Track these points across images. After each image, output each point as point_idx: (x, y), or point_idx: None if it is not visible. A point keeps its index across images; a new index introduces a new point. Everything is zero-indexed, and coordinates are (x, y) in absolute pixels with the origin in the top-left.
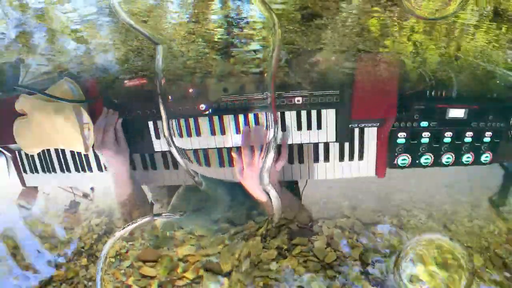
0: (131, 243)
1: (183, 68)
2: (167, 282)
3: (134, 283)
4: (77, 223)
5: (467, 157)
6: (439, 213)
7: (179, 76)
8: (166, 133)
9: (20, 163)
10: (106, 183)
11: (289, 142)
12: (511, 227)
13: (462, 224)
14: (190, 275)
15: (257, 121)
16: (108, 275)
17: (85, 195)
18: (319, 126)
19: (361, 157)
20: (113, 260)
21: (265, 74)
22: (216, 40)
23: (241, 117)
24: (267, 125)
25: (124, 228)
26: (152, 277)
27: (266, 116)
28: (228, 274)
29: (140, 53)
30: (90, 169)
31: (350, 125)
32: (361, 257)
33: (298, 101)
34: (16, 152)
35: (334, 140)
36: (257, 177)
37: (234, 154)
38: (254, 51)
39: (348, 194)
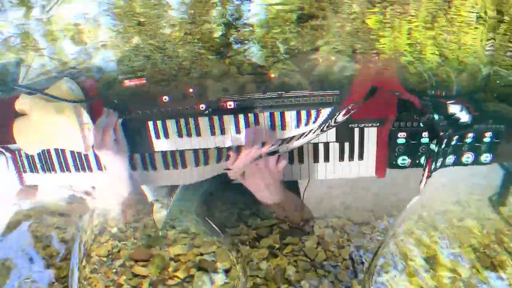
0: (123, 242)
1: (178, 69)
2: (158, 281)
3: (126, 282)
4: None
5: (466, 157)
6: (434, 213)
7: (174, 76)
8: None
9: (19, 163)
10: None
11: None
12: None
13: (450, 224)
14: (181, 274)
15: (257, 121)
16: (99, 274)
17: (87, 194)
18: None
19: (361, 157)
20: (105, 259)
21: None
22: (212, 40)
23: (241, 117)
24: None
25: None
26: (144, 276)
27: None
28: (227, 271)
29: (141, 54)
30: (90, 169)
31: (350, 125)
32: (351, 256)
33: (298, 101)
34: (16, 152)
35: (334, 140)
36: (263, 176)
37: (232, 153)
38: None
39: (343, 193)
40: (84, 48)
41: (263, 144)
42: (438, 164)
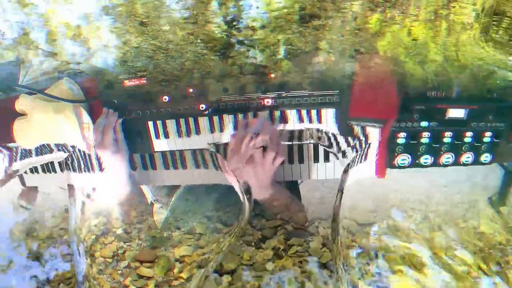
0: (128, 243)
1: (181, 69)
2: (163, 282)
3: (131, 283)
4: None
5: (466, 157)
6: (435, 213)
7: (176, 76)
8: None
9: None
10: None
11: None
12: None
13: (456, 225)
14: (186, 275)
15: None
16: (105, 275)
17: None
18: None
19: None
20: (110, 260)
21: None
22: (214, 40)
23: (241, 117)
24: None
25: None
26: (149, 278)
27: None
28: (232, 272)
29: (143, 54)
30: (93, 169)
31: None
32: (356, 257)
33: (298, 101)
34: (14, 150)
35: None
36: (256, 171)
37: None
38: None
39: (344, 194)
40: (85, 48)
41: (258, 134)
42: (428, 160)
